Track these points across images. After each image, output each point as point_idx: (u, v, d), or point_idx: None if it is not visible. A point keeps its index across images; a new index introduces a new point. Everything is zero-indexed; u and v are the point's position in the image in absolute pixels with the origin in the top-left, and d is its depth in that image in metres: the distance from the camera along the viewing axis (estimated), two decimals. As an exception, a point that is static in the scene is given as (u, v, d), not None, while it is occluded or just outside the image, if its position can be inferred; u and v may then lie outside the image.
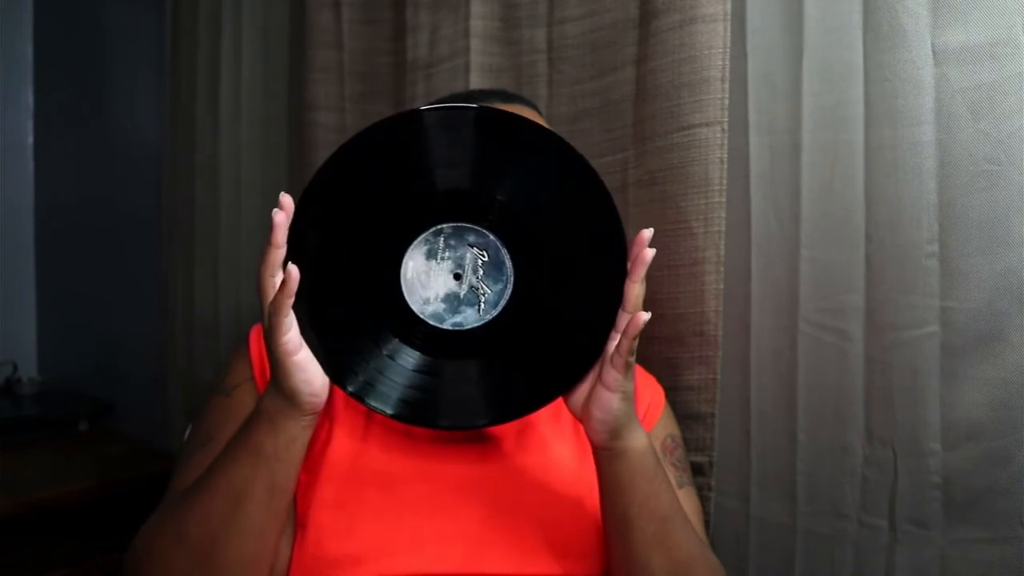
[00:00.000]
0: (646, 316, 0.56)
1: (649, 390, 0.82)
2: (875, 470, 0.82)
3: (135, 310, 1.83)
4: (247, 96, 1.43)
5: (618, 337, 0.57)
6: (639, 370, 0.82)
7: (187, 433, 0.80)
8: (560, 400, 0.62)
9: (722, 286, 0.88)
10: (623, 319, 0.58)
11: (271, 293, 0.55)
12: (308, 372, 0.57)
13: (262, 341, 0.76)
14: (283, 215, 0.54)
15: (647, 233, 0.57)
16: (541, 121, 0.80)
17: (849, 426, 0.83)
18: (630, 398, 0.60)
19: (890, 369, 0.80)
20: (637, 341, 0.57)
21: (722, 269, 0.88)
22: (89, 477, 1.54)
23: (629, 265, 0.57)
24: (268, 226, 0.55)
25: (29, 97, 2.20)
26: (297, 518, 0.68)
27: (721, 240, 0.87)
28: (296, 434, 0.59)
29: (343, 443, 0.71)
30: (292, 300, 0.53)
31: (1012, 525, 0.75)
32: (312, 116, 1.23)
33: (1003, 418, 0.75)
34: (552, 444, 0.74)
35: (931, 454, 0.78)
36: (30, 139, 2.21)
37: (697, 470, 0.88)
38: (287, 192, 0.55)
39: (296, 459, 0.60)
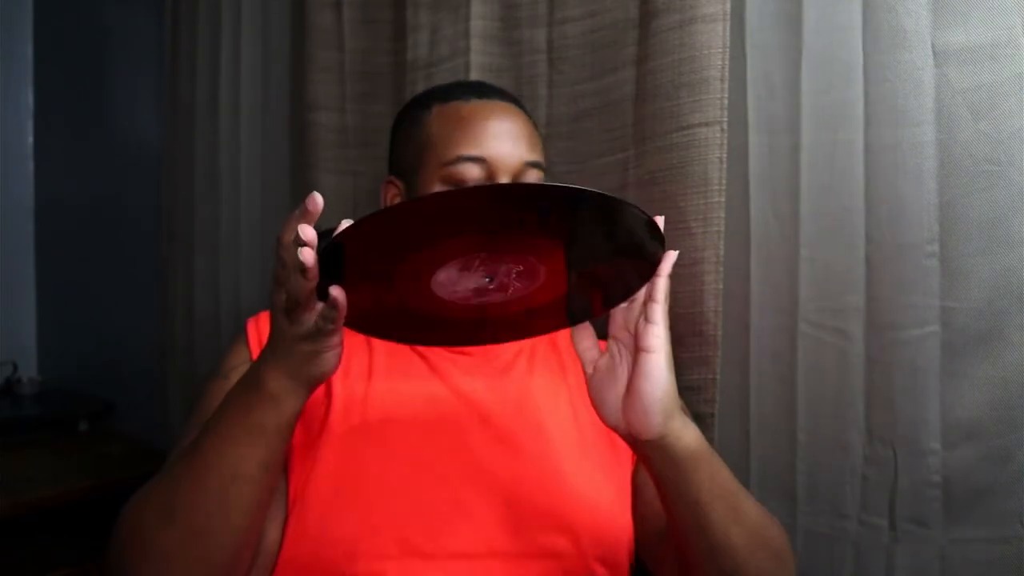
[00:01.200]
0: (674, 253, 0.57)
1: None
2: (875, 469, 0.82)
3: (135, 310, 1.83)
4: (247, 96, 1.43)
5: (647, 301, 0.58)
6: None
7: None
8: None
9: (722, 286, 0.88)
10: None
11: (311, 308, 0.54)
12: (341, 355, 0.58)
13: (260, 331, 0.79)
14: (313, 255, 0.52)
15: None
16: (523, 118, 0.80)
17: (849, 426, 0.83)
18: (671, 364, 0.59)
19: (890, 369, 0.80)
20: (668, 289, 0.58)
21: (722, 269, 0.88)
22: (89, 477, 1.53)
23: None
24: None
25: (29, 97, 2.20)
26: (293, 499, 0.70)
27: (720, 240, 0.87)
28: (298, 409, 0.60)
29: (339, 423, 0.73)
30: (344, 313, 0.54)
31: (1012, 525, 0.75)
32: (312, 116, 1.23)
33: (1003, 417, 0.76)
34: (556, 443, 0.74)
35: (931, 453, 0.79)
36: (30, 139, 2.21)
37: (697, 470, 0.88)
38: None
39: (290, 435, 0.61)
